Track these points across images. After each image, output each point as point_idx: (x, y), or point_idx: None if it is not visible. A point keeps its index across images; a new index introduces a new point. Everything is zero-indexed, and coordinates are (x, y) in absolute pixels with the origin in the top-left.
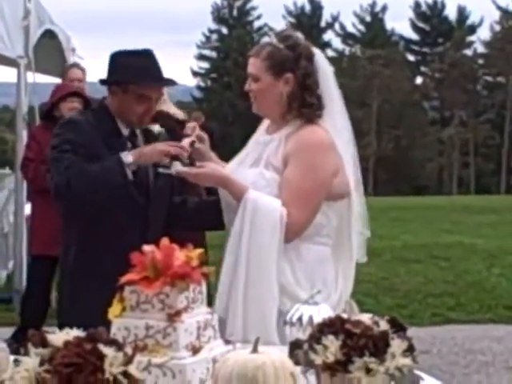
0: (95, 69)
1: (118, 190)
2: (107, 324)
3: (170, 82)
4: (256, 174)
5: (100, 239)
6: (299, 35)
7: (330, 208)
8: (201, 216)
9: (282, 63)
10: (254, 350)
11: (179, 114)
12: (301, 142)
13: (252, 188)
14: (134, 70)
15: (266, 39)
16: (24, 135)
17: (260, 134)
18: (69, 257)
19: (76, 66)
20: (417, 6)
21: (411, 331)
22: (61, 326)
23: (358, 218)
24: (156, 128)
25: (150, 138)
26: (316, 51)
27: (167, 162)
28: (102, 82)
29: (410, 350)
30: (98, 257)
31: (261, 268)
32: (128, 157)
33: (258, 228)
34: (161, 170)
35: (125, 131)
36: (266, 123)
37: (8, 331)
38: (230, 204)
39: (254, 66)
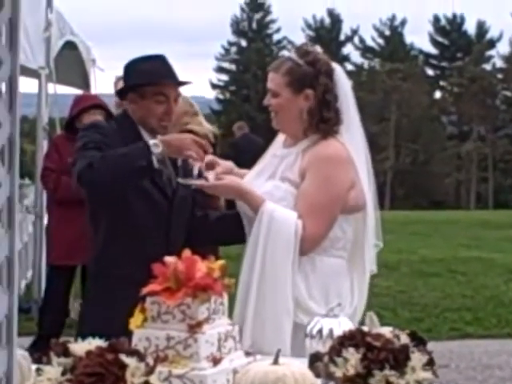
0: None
1: (141, 174)
2: (128, 332)
3: (186, 82)
4: (272, 186)
5: (122, 245)
6: (318, 50)
7: (345, 221)
8: (222, 229)
9: (301, 79)
10: (275, 362)
11: (208, 130)
12: (317, 155)
13: (268, 200)
14: (149, 72)
15: (285, 54)
16: (44, 146)
17: (277, 147)
18: (92, 262)
19: None
20: (436, 20)
21: (429, 345)
22: (81, 334)
23: (373, 231)
24: None
25: None
26: (335, 66)
27: (189, 170)
28: (119, 92)
29: (430, 364)
30: (119, 263)
31: (276, 281)
32: (157, 146)
33: (273, 240)
34: (180, 180)
35: (147, 139)
36: (282, 136)
37: (27, 340)
38: (249, 217)
39: (273, 81)
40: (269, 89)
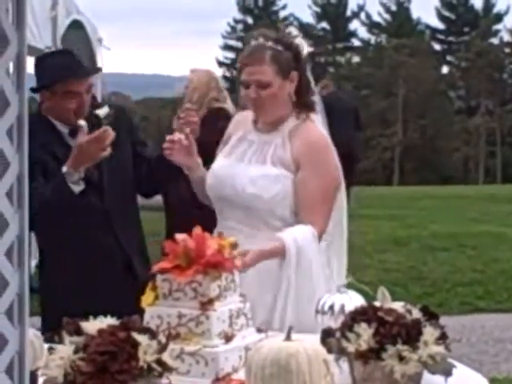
0: (121, 59)
1: (72, 202)
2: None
3: (94, 71)
4: (264, 171)
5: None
6: (294, 32)
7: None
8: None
9: (286, 64)
10: (288, 338)
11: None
12: (308, 143)
13: (258, 185)
14: (57, 69)
15: (257, 43)
16: None
17: (246, 131)
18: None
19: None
20: None
21: (440, 320)
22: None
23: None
24: (101, 111)
25: (94, 122)
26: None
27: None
28: (33, 90)
29: (442, 338)
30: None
31: (310, 288)
32: (70, 175)
33: (306, 261)
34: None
35: (63, 130)
36: (240, 117)
37: (39, 320)
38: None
39: (261, 73)
40: (257, 81)
